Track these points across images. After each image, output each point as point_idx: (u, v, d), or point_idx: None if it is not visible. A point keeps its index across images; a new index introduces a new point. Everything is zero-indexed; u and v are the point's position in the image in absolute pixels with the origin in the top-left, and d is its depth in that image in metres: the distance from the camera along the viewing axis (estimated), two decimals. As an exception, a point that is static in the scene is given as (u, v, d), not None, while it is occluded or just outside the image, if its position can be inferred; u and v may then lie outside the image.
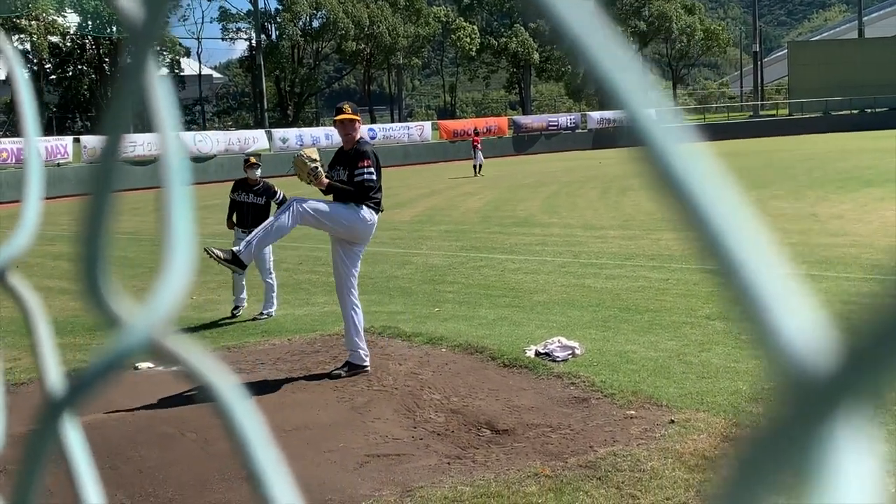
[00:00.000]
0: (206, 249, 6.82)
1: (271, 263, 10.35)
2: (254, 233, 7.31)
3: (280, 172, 44.09)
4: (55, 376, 0.60)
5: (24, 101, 0.68)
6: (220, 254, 6.94)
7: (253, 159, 10.55)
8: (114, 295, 0.44)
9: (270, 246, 10.34)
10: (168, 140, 0.42)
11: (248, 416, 0.39)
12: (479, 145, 38.49)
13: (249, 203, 10.27)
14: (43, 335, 0.63)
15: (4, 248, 0.67)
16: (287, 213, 7.28)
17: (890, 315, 0.22)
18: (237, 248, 7.12)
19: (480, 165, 36.91)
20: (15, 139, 38.64)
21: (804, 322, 0.24)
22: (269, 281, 10.25)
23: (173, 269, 0.41)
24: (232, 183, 10.73)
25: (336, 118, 7.72)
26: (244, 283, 10.31)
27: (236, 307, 10.33)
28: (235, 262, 7.08)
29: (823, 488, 0.23)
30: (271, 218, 7.42)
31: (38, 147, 0.69)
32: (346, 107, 7.73)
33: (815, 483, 0.23)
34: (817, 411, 0.23)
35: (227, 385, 0.40)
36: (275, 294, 10.28)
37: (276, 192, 10.40)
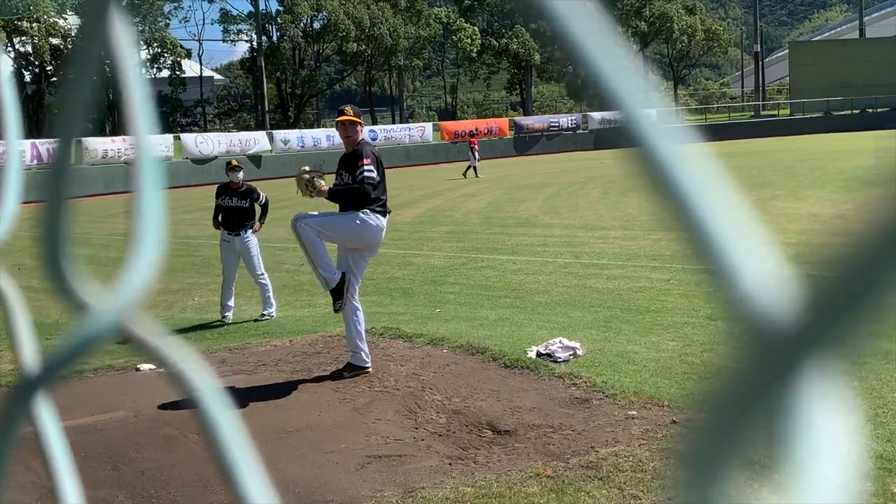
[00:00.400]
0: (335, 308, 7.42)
1: (261, 265, 10.28)
2: (311, 265, 7.46)
3: (280, 174, 44.14)
4: (30, 355, 0.60)
5: (4, 97, 0.69)
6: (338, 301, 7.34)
7: (234, 162, 10.55)
8: (79, 280, 0.44)
9: (258, 248, 10.34)
10: (141, 135, 0.42)
11: (216, 401, 0.39)
12: (476, 146, 38.39)
13: (234, 206, 10.28)
14: (20, 318, 0.63)
15: None
16: (298, 233, 7.36)
17: (855, 264, 0.22)
18: (328, 285, 7.36)
19: (476, 167, 36.83)
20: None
21: (770, 275, 0.24)
22: (262, 282, 10.20)
23: (141, 255, 0.41)
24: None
25: (337, 119, 7.70)
26: (233, 288, 10.27)
27: (224, 315, 10.23)
28: (337, 292, 7.29)
29: (795, 441, 0.23)
30: (303, 245, 7.47)
31: (16, 134, 0.69)
32: (348, 108, 7.72)
33: (786, 436, 0.23)
34: (785, 363, 0.23)
35: (195, 371, 0.40)
36: (270, 294, 10.24)
37: (258, 195, 10.41)
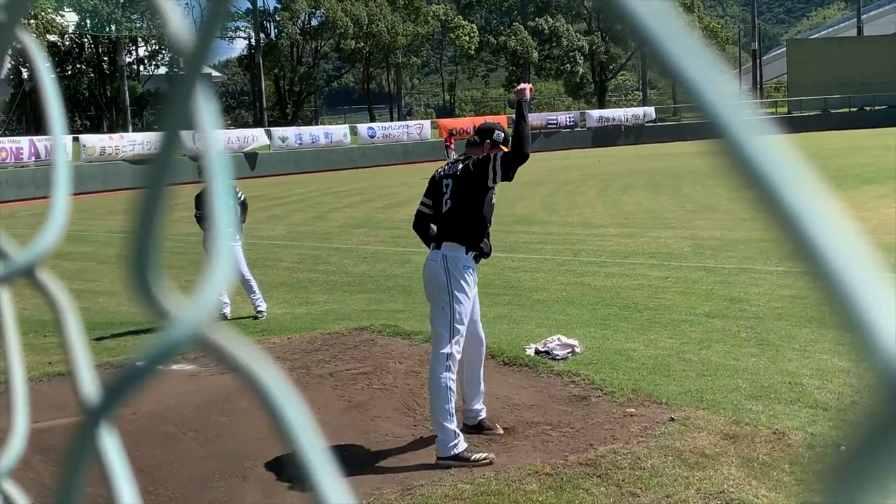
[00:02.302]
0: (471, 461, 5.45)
1: (245, 266, 10.19)
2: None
3: (278, 171, 44.11)
4: (89, 380, 0.59)
5: (50, 97, 0.69)
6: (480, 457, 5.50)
7: None
8: (162, 289, 0.44)
9: (241, 248, 10.24)
10: (210, 140, 0.43)
11: (296, 411, 0.40)
12: (452, 146, 38.17)
13: None
14: (74, 335, 0.63)
15: (33, 244, 0.67)
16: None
17: None
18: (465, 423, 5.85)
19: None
20: (14, 138, 38.59)
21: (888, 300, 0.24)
22: (250, 283, 10.14)
23: (217, 263, 0.42)
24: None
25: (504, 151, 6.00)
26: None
27: (221, 312, 10.20)
28: (479, 427, 5.95)
29: None
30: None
31: (64, 142, 0.70)
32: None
33: None
34: None
35: (273, 379, 0.40)
36: (256, 289, 10.19)
37: (237, 193, 10.36)
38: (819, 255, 0.25)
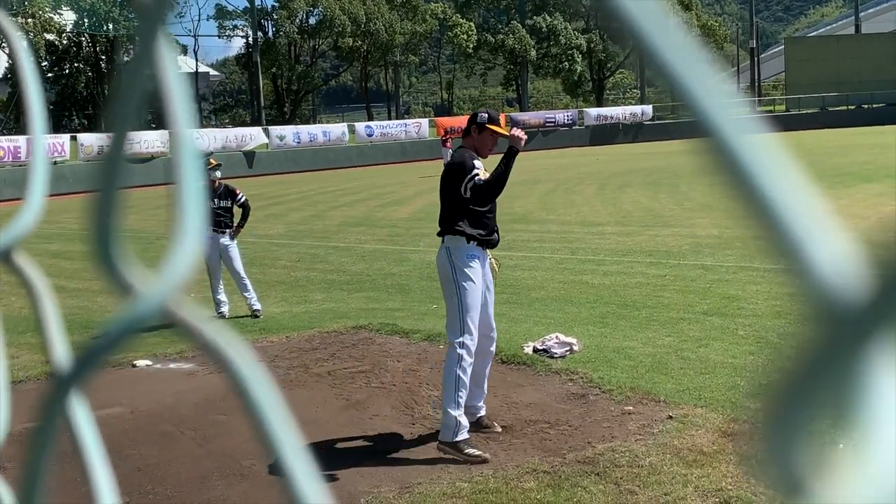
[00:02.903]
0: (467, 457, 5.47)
1: (242, 267, 10.17)
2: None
3: (276, 170, 44.08)
4: (61, 352, 0.60)
5: (31, 90, 0.69)
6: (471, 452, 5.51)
7: (213, 161, 10.42)
8: (126, 264, 0.45)
9: (237, 247, 10.24)
10: (178, 120, 0.43)
11: (261, 384, 0.40)
12: (449, 145, 38.22)
13: (216, 208, 10.15)
14: (49, 313, 0.64)
15: (10, 227, 0.67)
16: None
17: None
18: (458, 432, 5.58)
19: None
20: (11, 137, 38.56)
21: (839, 255, 0.26)
22: (245, 285, 10.12)
23: (184, 238, 0.42)
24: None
25: (501, 131, 6.03)
26: (222, 283, 10.23)
27: (220, 311, 10.19)
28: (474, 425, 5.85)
29: (864, 419, 0.24)
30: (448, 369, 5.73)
31: (43, 128, 0.70)
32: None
33: (855, 414, 0.24)
34: (853, 339, 0.24)
35: (239, 354, 0.40)
36: (250, 288, 10.17)
37: (238, 195, 10.35)
38: (763, 190, 0.27)
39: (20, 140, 37.21)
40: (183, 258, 0.43)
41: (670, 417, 5.82)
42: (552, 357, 7.44)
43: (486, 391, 6.06)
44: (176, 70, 0.45)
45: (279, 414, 0.40)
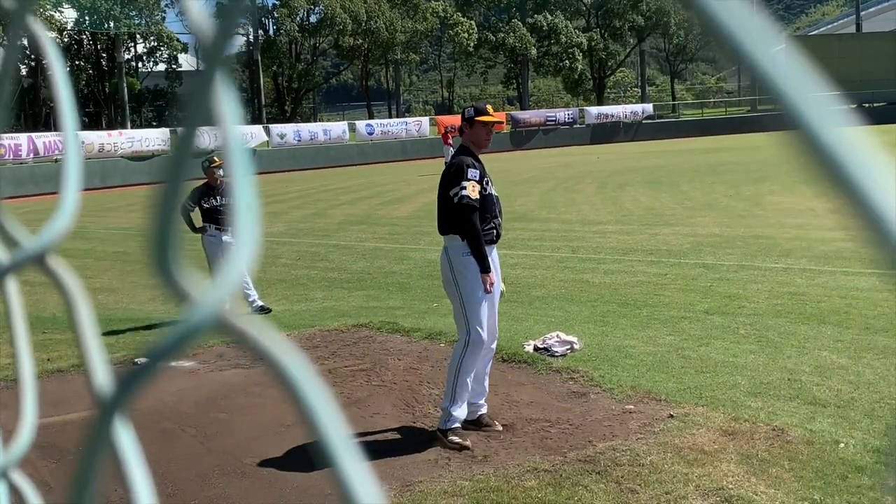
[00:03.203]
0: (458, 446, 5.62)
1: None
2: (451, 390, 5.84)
3: (277, 168, 44.08)
4: (102, 371, 0.60)
5: (61, 90, 0.69)
6: (458, 440, 5.67)
7: (217, 159, 10.34)
8: (184, 273, 0.45)
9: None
10: (230, 134, 0.43)
11: (318, 395, 0.40)
12: (451, 142, 38.30)
13: (219, 206, 10.09)
14: (86, 323, 0.63)
15: (44, 232, 0.67)
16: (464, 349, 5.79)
17: None
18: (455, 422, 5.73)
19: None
20: (13, 135, 38.54)
21: None
22: (246, 287, 10.12)
23: (240, 247, 0.43)
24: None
25: (490, 119, 5.93)
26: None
27: (251, 303, 10.22)
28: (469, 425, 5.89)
29: None
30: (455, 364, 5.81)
31: (75, 132, 0.70)
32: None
33: None
34: None
35: (294, 361, 0.40)
36: (251, 286, 10.18)
37: None
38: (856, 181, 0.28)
39: (21, 138, 37.19)
40: (239, 265, 0.44)
41: (671, 416, 5.82)
42: (553, 356, 7.44)
43: (487, 389, 6.09)
44: (229, 92, 0.45)
45: (334, 421, 0.40)
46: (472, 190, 5.70)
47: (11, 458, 0.76)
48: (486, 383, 6.06)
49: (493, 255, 5.91)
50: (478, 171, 5.78)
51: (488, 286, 5.70)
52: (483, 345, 5.76)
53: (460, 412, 5.73)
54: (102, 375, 0.59)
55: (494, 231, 5.89)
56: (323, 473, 5.32)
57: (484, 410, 6.03)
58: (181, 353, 0.45)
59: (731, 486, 4.69)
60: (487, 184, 5.85)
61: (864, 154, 0.28)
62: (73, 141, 0.70)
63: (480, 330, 5.72)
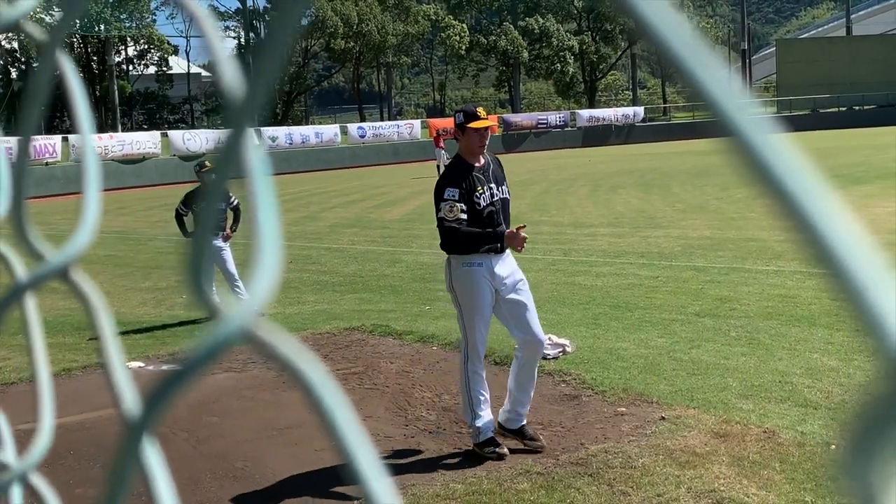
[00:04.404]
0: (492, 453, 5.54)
1: (236, 271, 10.13)
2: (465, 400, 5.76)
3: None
4: (126, 386, 0.60)
5: (77, 98, 0.70)
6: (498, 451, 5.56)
7: (209, 164, 10.33)
8: (213, 290, 0.49)
9: (230, 251, 10.21)
10: (245, 143, 0.44)
11: (340, 406, 0.42)
12: (442, 145, 38.41)
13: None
14: (108, 336, 0.64)
15: (68, 246, 0.68)
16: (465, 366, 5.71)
17: None
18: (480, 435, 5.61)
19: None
20: (4, 138, 38.38)
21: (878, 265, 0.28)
22: (238, 290, 10.07)
23: (264, 261, 0.44)
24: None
25: (483, 126, 5.65)
26: (214, 289, 10.16)
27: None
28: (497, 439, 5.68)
29: None
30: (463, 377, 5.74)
31: (93, 144, 0.71)
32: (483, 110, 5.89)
33: None
34: None
35: (318, 375, 0.42)
36: (242, 290, 10.16)
37: (230, 198, 10.26)
38: (834, 254, 0.28)
39: (12, 141, 37.08)
40: (265, 280, 0.45)
41: (663, 418, 5.83)
42: (545, 358, 7.44)
43: (530, 398, 5.74)
44: (253, 136, 0.46)
45: (355, 430, 0.41)
46: (448, 211, 5.51)
47: (30, 461, 0.77)
48: (532, 392, 5.75)
49: (505, 263, 5.65)
50: (457, 190, 5.51)
51: (514, 241, 5.49)
52: (480, 356, 5.64)
53: (485, 423, 5.59)
54: (129, 392, 0.60)
55: (499, 241, 5.58)
56: (315, 478, 5.32)
57: (526, 421, 5.73)
58: (212, 365, 0.47)
59: (722, 487, 4.70)
60: (483, 195, 5.56)
61: (791, 159, 0.29)
62: (92, 156, 0.71)
63: (476, 343, 5.61)
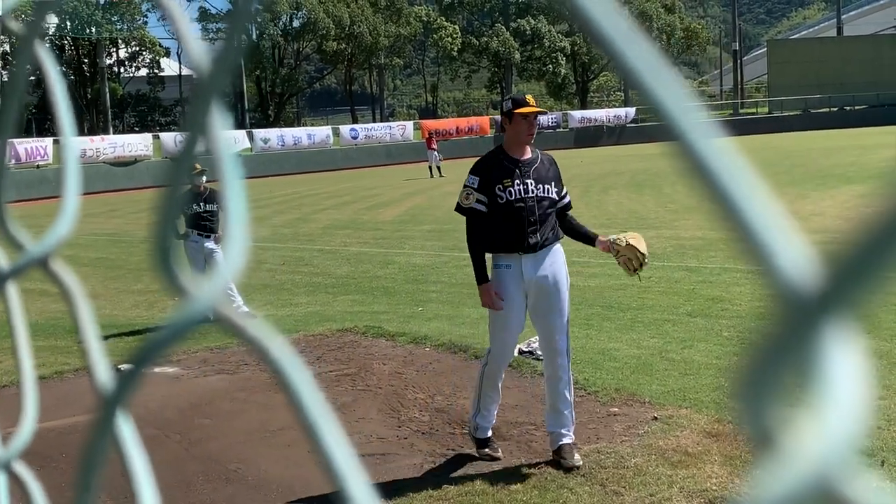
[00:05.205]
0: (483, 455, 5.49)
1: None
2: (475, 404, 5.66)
3: (260, 174, 43.97)
4: (103, 369, 0.63)
5: (60, 101, 0.72)
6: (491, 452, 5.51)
7: (198, 166, 10.33)
8: (181, 270, 0.51)
9: (222, 252, 10.21)
10: (218, 138, 0.46)
11: (302, 378, 0.43)
12: (435, 146, 38.53)
13: (206, 211, 10.12)
14: (87, 322, 0.65)
15: (48, 235, 0.69)
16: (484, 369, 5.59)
17: (866, 241, 0.27)
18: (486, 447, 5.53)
19: (439, 167, 36.73)
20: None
21: (796, 253, 0.30)
22: (231, 294, 10.08)
23: (232, 244, 0.47)
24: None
25: (528, 110, 5.40)
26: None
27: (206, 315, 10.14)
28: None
29: (820, 385, 0.28)
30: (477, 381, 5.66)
31: (73, 138, 0.73)
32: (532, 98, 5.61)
33: (812, 381, 0.29)
34: (809, 322, 0.29)
35: (281, 349, 0.44)
36: (235, 292, 10.15)
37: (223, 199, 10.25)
38: (739, 208, 0.31)
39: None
40: (231, 263, 0.47)
41: (655, 419, 5.84)
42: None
43: (567, 419, 5.35)
44: (221, 124, 0.47)
45: (319, 404, 0.43)
46: (464, 198, 5.42)
47: (14, 449, 0.78)
48: (566, 411, 5.36)
49: (540, 263, 5.39)
50: (478, 179, 5.36)
51: (485, 299, 5.32)
52: (501, 361, 5.48)
53: (484, 421, 5.54)
54: (104, 370, 0.63)
55: (525, 240, 5.32)
56: (308, 480, 5.32)
57: (564, 440, 5.29)
58: (180, 343, 0.49)
59: (714, 487, 4.72)
60: (509, 188, 5.34)
61: (732, 163, 0.31)
62: (71, 150, 0.72)
63: (499, 348, 5.43)
